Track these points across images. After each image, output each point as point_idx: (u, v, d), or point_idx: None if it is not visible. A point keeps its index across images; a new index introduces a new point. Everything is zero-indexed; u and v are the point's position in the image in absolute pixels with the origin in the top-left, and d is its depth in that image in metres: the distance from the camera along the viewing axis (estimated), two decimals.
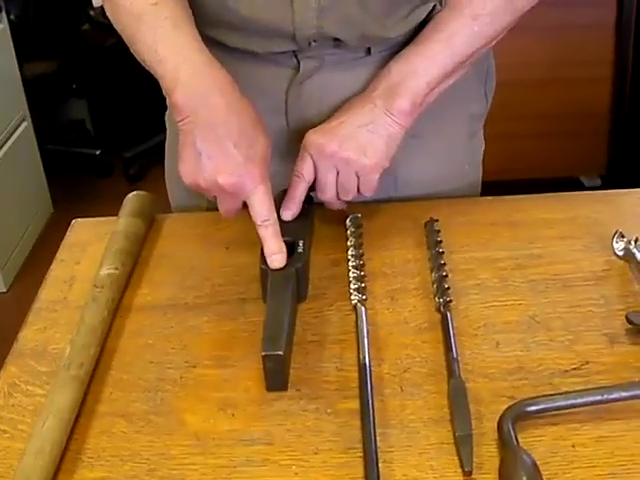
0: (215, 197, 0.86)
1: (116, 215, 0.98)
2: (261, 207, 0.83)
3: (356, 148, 0.87)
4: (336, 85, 0.95)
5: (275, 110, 0.97)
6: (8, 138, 2.37)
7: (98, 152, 2.93)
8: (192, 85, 0.82)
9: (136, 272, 0.93)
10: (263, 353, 0.73)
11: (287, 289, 0.81)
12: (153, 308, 0.87)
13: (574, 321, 0.79)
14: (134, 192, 1.03)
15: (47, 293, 0.91)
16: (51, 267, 0.95)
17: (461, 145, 1.06)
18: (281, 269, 0.83)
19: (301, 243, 0.87)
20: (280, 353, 0.72)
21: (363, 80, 0.93)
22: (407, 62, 0.89)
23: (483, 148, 1.10)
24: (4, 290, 2.34)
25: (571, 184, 2.52)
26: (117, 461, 0.69)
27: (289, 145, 0.91)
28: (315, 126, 0.90)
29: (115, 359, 0.80)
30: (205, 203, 1.03)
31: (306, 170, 0.89)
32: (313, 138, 0.89)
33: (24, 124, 2.47)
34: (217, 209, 0.87)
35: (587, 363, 0.74)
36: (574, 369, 0.74)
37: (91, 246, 0.97)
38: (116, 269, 0.89)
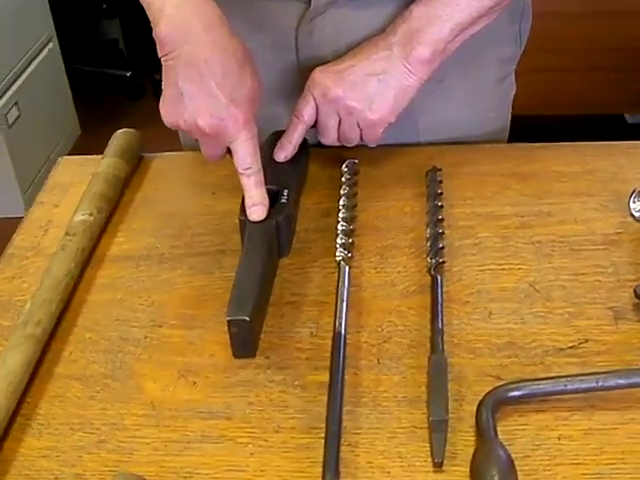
0: (197, 140, 0.80)
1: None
2: (244, 154, 0.76)
3: (362, 98, 0.80)
4: (352, 24, 0.86)
5: (285, 48, 0.90)
6: (34, 58, 2.31)
7: (129, 74, 2.86)
8: (176, 17, 0.75)
9: (115, 218, 0.87)
10: (227, 318, 0.67)
11: (264, 244, 0.74)
12: (127, 259, 0.81)
13: (577, 291, 0.71)
14: (122, 129, 0.97)
15: (21, 238, 0.86)
16: (30, 209, 0.90)
17: (488, 90, 0.97)
18: (260, 221, 0.76)
19: (286, 192, 0.80)
20: (246, 318, 0.66)
21: (382, 20, 0.84)
22: (430, 5, 0.79)
23: (514, 93, 1.01)
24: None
25: (613, 121, 2.38)
26: (67, 430, 0.64)
27: (300, 85, 0.83)
28: None
29: (81, 315, 0.75)
30: None
31: (307, 112, 0.82)
32: (319, 78, 0.81)
33: (50, 45, 2.40)
34: None
35: (586, 341, 0.67)
36: (571, 347, 0.66)
37: (74, 187, 0.91)
38: (90, 215, 0.83)
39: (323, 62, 0.84)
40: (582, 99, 2.27)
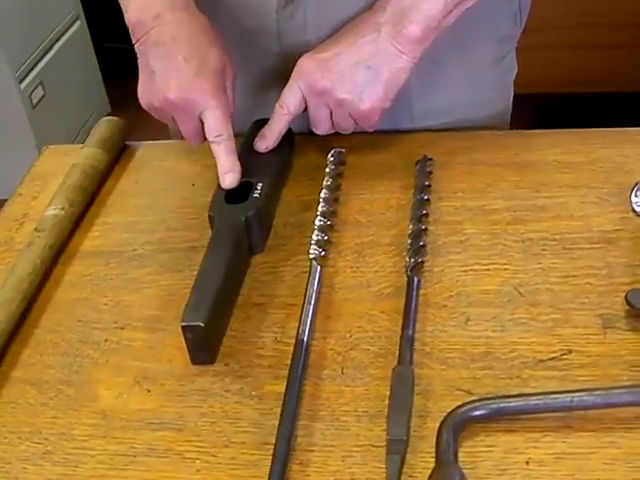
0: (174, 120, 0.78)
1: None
2: (214, 121, 0.75)
3: (351, 89, 0.75)
4: (336, 5, 0.81)
5: (266, 33, 0.85)
6: (60, 37, 2.29)
7: None
8: (143, 2, 0.76)
9: (91, 211, 0.84)
10: (182, 323, 0.63)
11: (229, 243, 0.70)
12: (98, 255, 0.78)
13: (565, 295, 0.66)
14: (106, 117, 0.94)
15: None
16: (7, 201, 0.87)
17: (486, 70, 0.91)
18: (229, 218, 0.72)
19: (260, 186, 0.75)
20: (200, 324, 0.62)
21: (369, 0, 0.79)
22: None
23: (515, 73, 0.94)
24: None
25: (633, 98, 2.26)
26: (15, 439, 0.62)
27: (285, 73, 0.79)
28: None
29: (44, 315, 0.72)
30: None
31: (292, 102, 0.78)
32: (304, 67, 0.76)
33: (77, 23, 2.38)
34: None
35: (569, 352, 0.61)
36: (552, 359, 0.61)
37: (55, 179, 0.88)
38: (62, 209, 0.80)
39: (306, 48, 0.79)
40: (600, 77, 2.17)
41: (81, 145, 0.90)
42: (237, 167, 0.76)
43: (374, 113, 0.76)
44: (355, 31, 0.76)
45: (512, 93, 0.94)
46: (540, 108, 2.16)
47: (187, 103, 0.75)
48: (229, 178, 0.75)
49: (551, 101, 2.26)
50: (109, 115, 0.96)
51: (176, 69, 0.74)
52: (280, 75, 0.82)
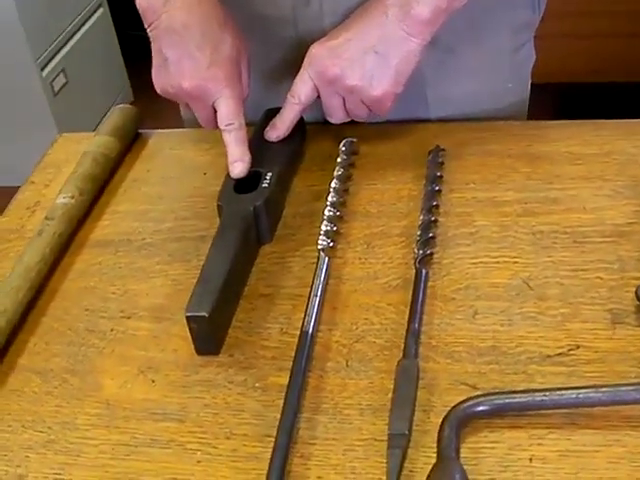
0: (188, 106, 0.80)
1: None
2: (226, 110, 0.76)
3: (361, 76, 0.74)
4: None
5: (282, 21, 0.85)
6: (82, 25, 2.30)
7: None
8: None
9: (102, 199, 0.84)
10: (186, 313, 0.63)
11: (237, 232, 0.69)
12: (107, 244, 0.78)
13: (575, 290, 0.64)
14: (119, 105, 0.93)
15: (6, 220, 0.83)
16: (20, 188, 0.88)
17: (503, 60, 0.89)
18: (237, 207, 0.72)
19: (269, 176, 0.75)
20: (204, 315, 0.62)
21: None
22: None
23: (532, 63, 0.92)
24: None
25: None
26: (18, 427, 0.62)
27: (300, 61, 0.78)
28: None
29: (52, 304, 0.72)
30: None
31: (304, 92, 0.77)
32: (315, 56, 0.76)
33: (100, 10, 2.39)
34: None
35: (577, 347, 0.60)
36: (559, 354, 0.60)
37: (67, 167, 0.88)
38: (72, 198, 0.80)
39: (323, 35, 0.78)
40: (609, 66, 2.14)
41: (94, 133, 0.90)
42: (247, 157, 0.76)
43: (387, 99, 0.75)
44: (364, 15, 0.75)
45: (529, 83, 0.93)
46: (558, 97, 2.13)
47: (201, 92, 0.75)
48: (238, 167, 0.75)
49: (570, 91, 2.22)
50: (132, 103, 0.96)
51: (190, 58, 0.75)
52: (295, 63, 0.81)
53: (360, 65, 0.74)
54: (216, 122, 0.77)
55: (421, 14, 0.72)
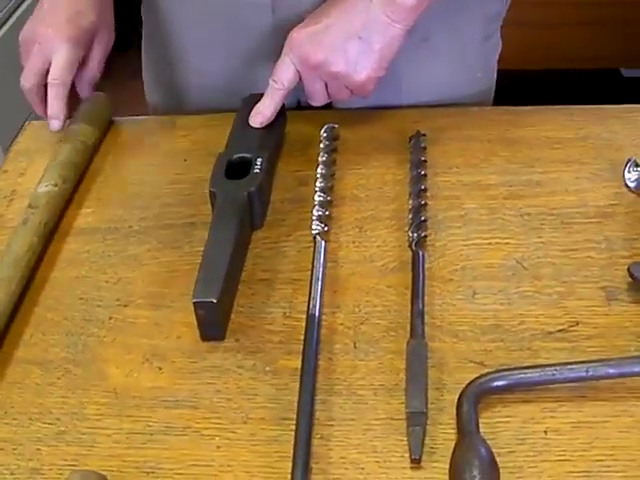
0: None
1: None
2: (57, 64, 0.83)
3: (345, 62, 0.74)
4: None
5: (260, 6, 0.84)
6: (9, 18, 2.22)
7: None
8: None
9: (82, 187, 0.82)
10: (194, 300, 0.63)
11: (234, 218, 0.70)
12: (93, 232, 0.77)
13: (568, 269, 0.67)
14: (93, 93, 0.92)
15: None
16: None
17: (474, 49, 0.91)
18: (231, 193, 0.72)
19: (259, 161, 0.75)
20: (213, 300, 0.62)
21: None
22: None
23: (499, 52, 0.95)
24: None
25: (609, 75, 2.31)
26: (25, 420, 0.61)
27: (277, 48, 0.78)
28: None
29: (43, 294, 0.71)
30: (176, 103, 0.96)
31: (287, 77, 0.77)
32: (296, 40, 0.76)
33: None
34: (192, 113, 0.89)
35: (576, 324, 0.63)
36: (560, 331, 0.62)
37: (40, 155, 0.86)
38: (55, 185, 0.78)
39: (300, 21, 0.78)
40: (575, 53, 2.20)
41: (68, 121, 0.88)
42: (62, 114, 0.83)
43: (369, 83, 0.76)
44: (345, 1, 0.76)
45: (495, 72, 0.95)
46: (526, 84, 2.18)
47: (47, 39, 0.83)
48: (54, 124, 0.83)
49: (538, 77, 2.27)
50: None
51: (54, 12, 0.84)
52: (273, 50, 0.81)
53: (343, 51, 0.74)
54: (38, 77, 0.83)
55: (406, 1, 0.73)
